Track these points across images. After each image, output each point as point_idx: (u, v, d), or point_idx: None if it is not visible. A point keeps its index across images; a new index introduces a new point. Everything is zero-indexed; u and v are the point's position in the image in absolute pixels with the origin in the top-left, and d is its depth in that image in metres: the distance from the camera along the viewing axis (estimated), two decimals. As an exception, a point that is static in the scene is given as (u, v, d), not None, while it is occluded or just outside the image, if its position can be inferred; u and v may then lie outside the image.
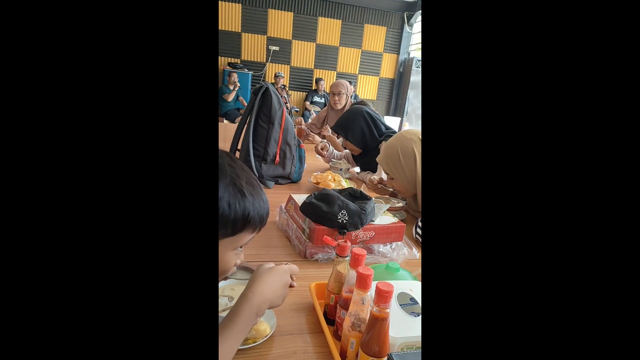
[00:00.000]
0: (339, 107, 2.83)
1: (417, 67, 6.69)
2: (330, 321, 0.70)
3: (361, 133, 1.87)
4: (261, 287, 0.58)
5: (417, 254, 1.02)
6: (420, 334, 0.59)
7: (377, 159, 1.39)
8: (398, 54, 7.01)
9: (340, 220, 0.93)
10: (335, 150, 2.20)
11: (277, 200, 1.25)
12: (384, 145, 1.37)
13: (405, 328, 0.60)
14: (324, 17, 6.58)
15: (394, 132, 1.88)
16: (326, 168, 2.03)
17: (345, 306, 0.65)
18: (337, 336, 0.67)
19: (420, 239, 1.12)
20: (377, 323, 0.54)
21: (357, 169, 2.03)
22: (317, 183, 1.54)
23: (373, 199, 1.06)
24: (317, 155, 2.23)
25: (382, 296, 0.53)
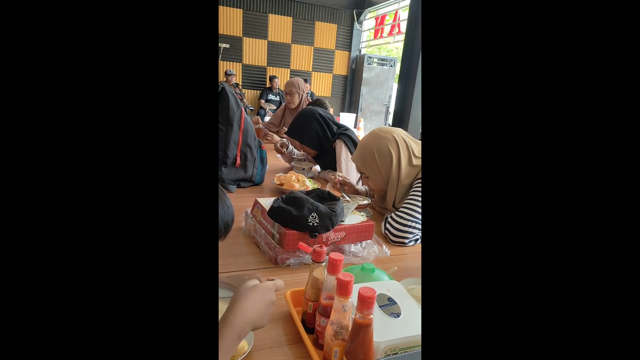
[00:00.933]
0: (293, 106, 2.80)
1: (368, 64, 6.82)
2: (309, 329, 0.68)
3: (316, 135, 1.86)
4: (243, 307, 0.54)
5: (387, 251, 1.03)
6: (402, 335, 0.59)
7: (351, 158, 1.38)
8: (350, 51, 7.10)
9: (311, 224, 0.90)
10: (295, 149, 2.17)
11: (242, 204, 1.21)
12: (358, 145, 1.36)
13: (387, 331, 0.59)
14: (274, 14, 6.49)
15: (346, 129, 1.89)
16: (289, 168, 1.99)
17: (325, 313, 0.63)
18: (317, 345, 0.65)
19: (389, 235, 1.13)
20: (362, 330, 0.53)
21: (319, 168, 2.02)
22: (281, 184, 1.51)
23: (341, 198, 1.05)
24: (277, 155, 2.19)
25: (366, 302, 0.52)
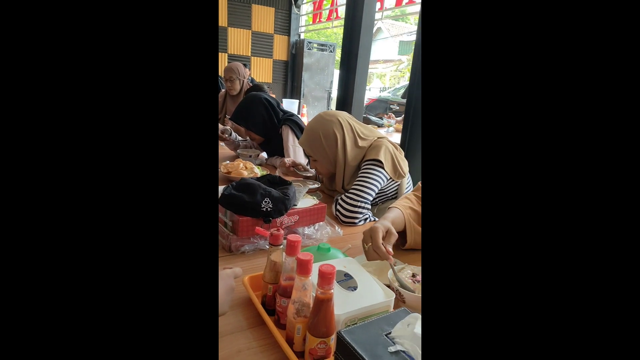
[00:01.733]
0: (234, 93, 2.72)
1: (308, 49, 6.78)
2: (270, 311, 0.69)
3: (262, 121, 1.83)
4: None
5: (340, 231, 1.07)
6: (360, 307, 0.63)
7: (299, 142, 1.39)
8: (289, 35, 6.99)
9: (264, 209, 0.91)
10: (238, 136, 2.12)
11: (189, 195, 1.16)
12: (305, 128, 1.37)
13: (346, 304, 0.62)
14: (208, -6, 6.15)
15: (291, 115, 1.89)
16: (235, 156, 1.95)
17: (285, 294, 0.64)
18: (279, 325, 0.66)
19: (340, 216, 1.17)
20: (323, 305, 0.55)
21: (265, 154, 2.00)
22: (229, 172, 1.47)
23: (293, 183, 1.06)
24: (220, 143, 2.13)
25: (326, 278, 0.54)
